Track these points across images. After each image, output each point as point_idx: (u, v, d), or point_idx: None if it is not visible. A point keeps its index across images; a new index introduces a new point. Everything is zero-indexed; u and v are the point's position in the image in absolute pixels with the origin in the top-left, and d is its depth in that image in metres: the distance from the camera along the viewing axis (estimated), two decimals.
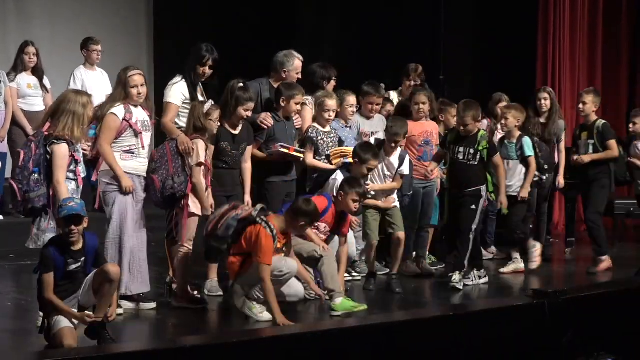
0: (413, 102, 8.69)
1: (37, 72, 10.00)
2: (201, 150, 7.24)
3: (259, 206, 7.16)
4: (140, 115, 7.07)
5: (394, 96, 9.48)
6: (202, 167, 7.26)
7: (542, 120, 9.39)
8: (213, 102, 7.48)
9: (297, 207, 7.12)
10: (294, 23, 13.09)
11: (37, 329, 6.12)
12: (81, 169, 6.70)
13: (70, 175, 6.61)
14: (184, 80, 7.67)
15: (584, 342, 7.38)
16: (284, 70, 8.29)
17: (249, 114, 7.72)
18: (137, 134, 7.01)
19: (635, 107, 12.44)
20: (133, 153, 7.03)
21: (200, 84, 7.81)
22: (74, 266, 6.08)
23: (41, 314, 6.23)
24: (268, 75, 8.37)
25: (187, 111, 7.50)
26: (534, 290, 7.57)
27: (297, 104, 8.03)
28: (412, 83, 9.31)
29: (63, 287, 6.06)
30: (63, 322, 5.99)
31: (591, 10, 12.08)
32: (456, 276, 8.15)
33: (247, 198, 7.78)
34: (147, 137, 7.11)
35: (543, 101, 9.49)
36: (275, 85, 8.27)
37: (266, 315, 6.92)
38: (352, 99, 8.49)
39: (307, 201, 7.21)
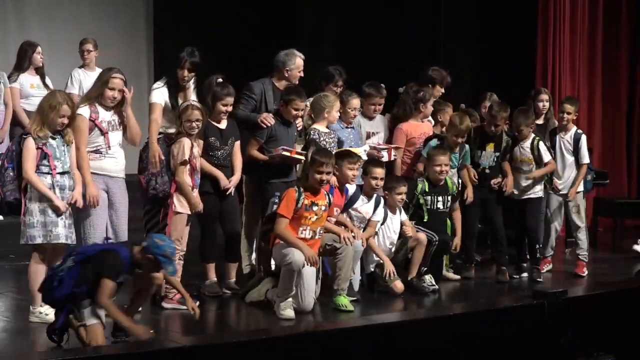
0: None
1: (40, 71, 10.00)
2: (186, 149, 7.23)
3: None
4: (107, 116, 7.05)
5: None
6: (187, 166, 7.26)
7: (539, 121, 9.39)
8: (193, 101, 7.46)
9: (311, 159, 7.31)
10: (294, 23, 13.08)
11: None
12: (57, 164, 6.69)
13: (44, 169, 6.66)
14: (165, 85, 7.65)
15: (583, 342, 7.38)
16: (287, 69, 8.28)
17: (229, 108, 7.67)
18: (103, 134, 6.99)
19: (635, 107, 12.49)
20: (101, 153, 7.03)
21: (194, 87, 7.76)
22: (122, 280, 6.21)
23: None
24: (270, 75, 8.37)
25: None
26: (534, 291, 7.58)
27: (294, 109, 7.98)
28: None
29: None
30: (93, 319, 6.01)
31: (591, 10, 12.07)
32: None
33: (236, 176, 7.75)
34: (115, 136, 7.07)
35: (545, 103, 9.51)
36: (278, 85, 8.27)
37: (288, 313, 7.03)
38: (356, 102, 8.49)
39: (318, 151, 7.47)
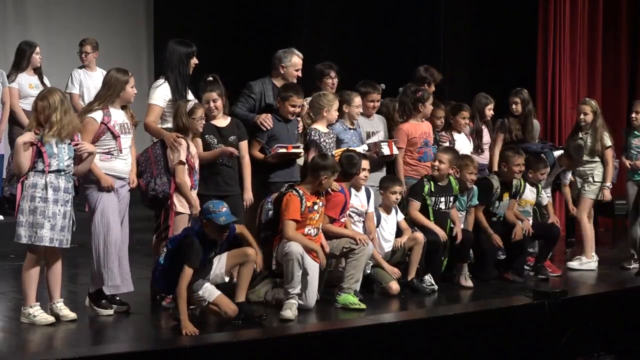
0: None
1: (38, 71, 9.99)
2: (182, 149, 7.23)
3: (287, 185, 7.45)
4: (119, 118, 7.04)
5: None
6: (186, 166, 7.25)
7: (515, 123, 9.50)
8: (197, 101, 7.45)
9: (315, 164, 7.34)
10: (293, 23, 13.10)
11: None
12: (53, 162, 6.59)
13: (40, 167, 6.60)
14: (166, 82, 7.62)
15: (584, 342, 7.39)
16: (282, 65, 8.24)
17: (217, 104, 7.58)
18: (115, 137, 6.99)
19: None
20: (112, 154, 7.02)
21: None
22: (209, 257, 6.79)
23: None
24: (270, 74, 8.35)
25: (169, 112, 7.52)
26: (534, 291, 7.59)
27: (292, 106, 7.95)
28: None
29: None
30: (215, 292, 6.73)
31: (591, 10, 12.08)
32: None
33: (248, 196, 7.72)
34: (126, 140, 7.08)
35: (514, 105, 9.53)
36: (277, 83, 8.24)
37: (287, 314, 7.00)
38: (358, 100, 8.48)
39: (322, 156, 7.48)
